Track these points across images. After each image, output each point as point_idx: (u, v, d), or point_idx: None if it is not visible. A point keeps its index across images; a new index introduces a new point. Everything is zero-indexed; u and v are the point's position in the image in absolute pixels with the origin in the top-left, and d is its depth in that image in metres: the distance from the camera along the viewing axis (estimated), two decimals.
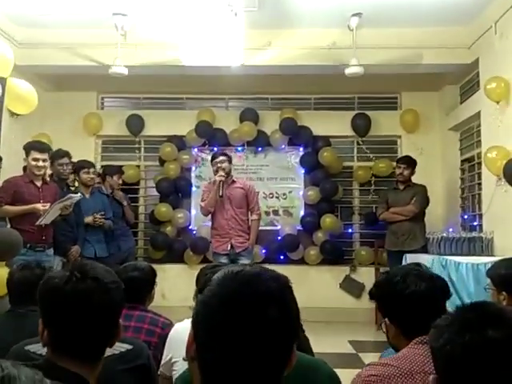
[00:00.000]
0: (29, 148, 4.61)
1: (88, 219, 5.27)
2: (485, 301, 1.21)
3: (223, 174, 5.26)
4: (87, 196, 5.41)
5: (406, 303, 1.64)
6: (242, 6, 5.18)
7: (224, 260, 5.22)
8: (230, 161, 5.44)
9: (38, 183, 4.66)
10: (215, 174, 5.34)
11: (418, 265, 1.81)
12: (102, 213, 5.38)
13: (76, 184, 5.61)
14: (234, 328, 0.94)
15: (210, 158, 7.23)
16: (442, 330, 1.08)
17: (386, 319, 1.72)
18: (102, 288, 1.33)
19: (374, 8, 5.29)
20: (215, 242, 5.44)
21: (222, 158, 5.36)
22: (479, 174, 5.91)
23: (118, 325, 1.40)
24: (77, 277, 1.35)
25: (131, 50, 5.83)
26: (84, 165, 5.48)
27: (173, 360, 2.26)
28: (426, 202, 5.88)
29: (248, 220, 5.46)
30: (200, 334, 0.98)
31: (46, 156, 4.65)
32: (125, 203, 6.11)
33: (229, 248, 5.28)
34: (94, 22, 5.64)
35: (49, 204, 4.54)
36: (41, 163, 4.59)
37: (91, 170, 5.47)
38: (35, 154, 4.57)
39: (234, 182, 5.47)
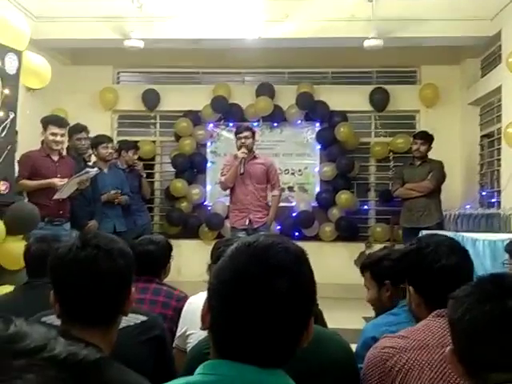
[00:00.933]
0: (46, 122, 4.61)
1: (105, 197, 5.31)
2: (503, 272, 1.19)
3: (246, 151, 5.17)
4: (105, 171, 5.46)
5: (435, 276, 1.59)
6: None
7: (242, 235, 5.23)
8: (253, 136, 5.35)
9: (55, 157, 4.68)
10: (238, 150, 5.25)
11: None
12: (119, 191, 5.41)
13: (93, 158, 5.64)
14: (244, 300, 0.95)
15: (225, 133, 7.30)
16: (460, 300, 1.07)
17: (411, 288, 1.67)
18: (103, 255, 1.35)
19: None
20: (234, 217, 5.42)
21: (246, 133, 5.23)
22: (499, 150, 5.81)
23: (126, 291, 1.40)
24: (78, 246, 1.37)
25: (147, 23, 5.78)
26: (103, 140, 5.51)
27: (187, 333, 2.28)
28: (442, 178, 5.80)
29: (267, 196, 5.43)
30: (214, 306, 0.99)
31: (63, 131, 4.66)
32: (144, 174, 6.19)
33: (247, 223, 5.26)
34: None
35: (66, 179, 4.56)
36: (59, 138, 4.60)
37: (110, 144, 5.51)
38: (53, 129, 4.58)
39: (255, 157, 5.38)
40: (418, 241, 1.74)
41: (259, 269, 0.96)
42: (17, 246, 3.54)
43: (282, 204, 7.01)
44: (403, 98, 7.09)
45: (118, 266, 1.36)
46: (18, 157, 4.52)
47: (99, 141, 5.48)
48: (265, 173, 5.36)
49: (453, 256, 1.61)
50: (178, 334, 2.34)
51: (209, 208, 7.18)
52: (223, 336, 0.98)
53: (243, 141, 5.21)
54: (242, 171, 5.20)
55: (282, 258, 0.97)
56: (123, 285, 1.39)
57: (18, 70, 4.13)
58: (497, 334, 1.01)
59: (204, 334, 1.99)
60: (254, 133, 5.40)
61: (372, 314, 6.20)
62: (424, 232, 5.19)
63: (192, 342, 2.20)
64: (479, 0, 5.54)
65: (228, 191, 5.55)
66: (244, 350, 0.95)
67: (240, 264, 0.98)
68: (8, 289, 3.42)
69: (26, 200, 4.56)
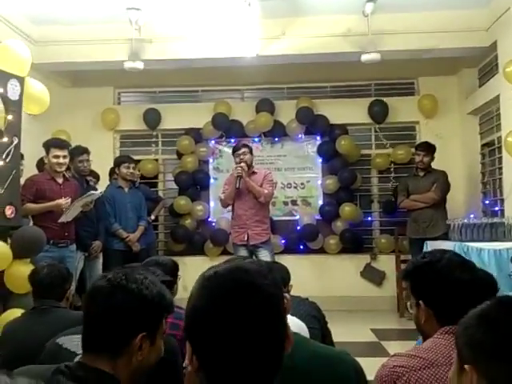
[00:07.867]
0: (48, 146, 4.67)
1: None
2: None
3: (243, 166, 5.22)
4: (126, 190, 5.58)
5: (449, 289, 1.58)
6: None
7: (243, 251, 5.28)
8: (251, 152, 5.43)
9: (59, 180, 4.72)
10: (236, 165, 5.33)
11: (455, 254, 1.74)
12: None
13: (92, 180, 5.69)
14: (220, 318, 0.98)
15: (226, 149, 7.34)
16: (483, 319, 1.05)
17: (421, 302, 1.64)
18: (109, 289, 1.40)
19: None
20: (234, 233, 5.48)
21: (243, 149, 5.35)
22: (500, 159, 5.82)
23: (133, 325, 1.39)
24: (99, 277, 1.47)
25: (146, 44, 5.85)
26: (124, 160, 5.69)
27: None
28: (446, 188, 5.81)
29: (267, 211, 5.45)
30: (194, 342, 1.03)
31: (65, 152, 4.71)
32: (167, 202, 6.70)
33: (245, 238, 5.29)
34: (108, 17, 5.67)
35: (70, 199, 4.60)
36: (61, 160, 4.65)
37: (131, 165, 5.64)
38: (55, 151, 4.63)
39: (254, 172, 5.43)
40: (430, 254, 1.70)
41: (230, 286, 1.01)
42: (24, 270, 3.55)
43: (285, 218, 7.08)
44: (402, 110, 7.13)
45: (117, 300, 1.38)
46: (23, 181, 4.56)
47: (121, 160, 5.69)
48: (261, 185, 5.34)
49: (466, 271, 1.61)
50: None
51: (213, 224, 7.20)
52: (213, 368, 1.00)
53: (241, 157, 5.29)
54: (237, 186, 5.22)
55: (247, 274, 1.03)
56: (127, 316, 1.38)
57: (21, 95, 4.18)
58: None
59: None
60: (251, 149, 5.47)
61: (379, 326, 6.18)
62: (429, 243, 5.22)
63: None
64: (474, 11, 5.60)
65: (229, 208, 5.58)
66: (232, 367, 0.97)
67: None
68: (15, 312, 3.44)
69: (32, 223, 4.59)
